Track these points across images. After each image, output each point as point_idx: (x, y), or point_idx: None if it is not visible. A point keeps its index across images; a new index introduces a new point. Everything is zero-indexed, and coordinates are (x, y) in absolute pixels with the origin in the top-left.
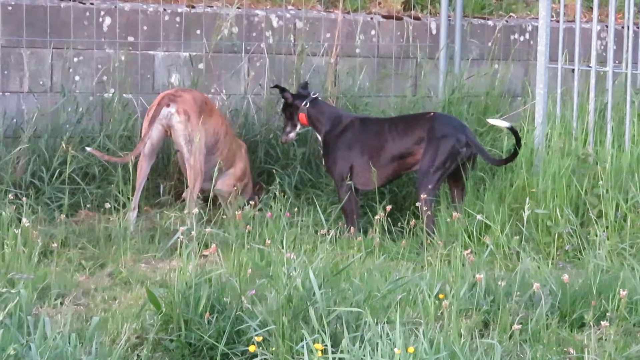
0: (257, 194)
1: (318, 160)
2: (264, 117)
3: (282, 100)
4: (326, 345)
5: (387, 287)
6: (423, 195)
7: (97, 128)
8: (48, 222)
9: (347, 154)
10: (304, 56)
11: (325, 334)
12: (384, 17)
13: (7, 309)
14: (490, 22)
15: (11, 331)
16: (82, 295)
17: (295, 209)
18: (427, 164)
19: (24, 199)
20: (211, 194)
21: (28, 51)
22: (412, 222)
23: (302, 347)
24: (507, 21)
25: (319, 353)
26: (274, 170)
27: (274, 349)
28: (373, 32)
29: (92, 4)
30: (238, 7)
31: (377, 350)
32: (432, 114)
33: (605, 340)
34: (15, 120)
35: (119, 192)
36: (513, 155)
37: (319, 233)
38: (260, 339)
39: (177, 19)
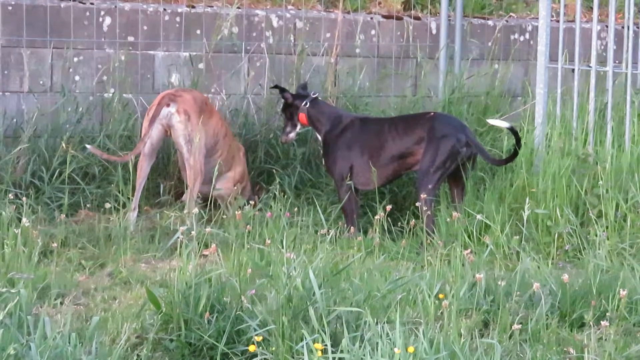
0: (257, 194)
1: (318, 160)
2: (264, 117)
3: (282, 100)
4: (326, 345)
5: (387, 287)
6: (423, 195)
7: (97, 128)
8: (48, 222)
9: (347, 153)
10: (304, 56)
11: (325, 333)
12: (384, 17)
13: (7, 309)
14: (490, 22)
15: (11, 331)
16: (82, 295)
17: (295, 209)
18: (427, 163)
19: (24, 198)
20: (211, 196)
21: (28, 51)
22: (412, 222)
23: (302, 346)
24: (507, 21)
25: (319, 353)
26: (274, 170)
27: (274, 348)
28: (373, 32)
29: (92, 3)
30: (238, 7)
31: (377, 350)
32: (432, 113)
33: (605, 340)
34: (15, 120)
35: (119, 192)
36: (513, 155)
37: (319, 233)
38: (260, 338)
39: (177, 18)
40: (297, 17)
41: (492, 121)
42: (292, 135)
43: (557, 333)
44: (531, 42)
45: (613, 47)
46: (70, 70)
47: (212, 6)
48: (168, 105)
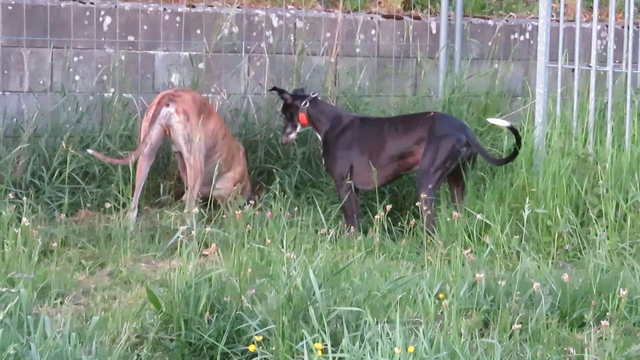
0: (257, 193)
1: (318, 159)
2: (264, 117)
3: (282, 100)
4: (326, 345)
5: (387, 286)
6: (423, 195)
7: (97, 128)
8: (48, 222)
9: (347, 153)
10: (304, 56)
11: (325, 333)
12: (384, 16)
13: (7, 309)
14: (490, 22)
15: (11, 331)
16: (82, 295)
17: (296, 209)
18: (427, 163)
19: (24, 198)
20: (210, 197)
21: (28, 51)
22: (412, 221)
23: (302, 346)
24: (507, 21)
25: (319, 352)
26: (274, 170)
27: (273, 348)
28: (373, 31)
29: (92, 3)
30: (238, 7)
31: (377, 349)
32: (432, 113)
33: (605, 339)
34: (15, 119)
35: (119, 192)
36: (513, 154)
37: (319, 232)
38: (260, 338)
39: (177, 18)
40: (297, 16)
41: (492, 120)
42: (292, 135)
43: (557, 333)
44: (531, 42)
45: (613, 47)
46: (70, 70)
47: (212, 6)
48: (167, 105)
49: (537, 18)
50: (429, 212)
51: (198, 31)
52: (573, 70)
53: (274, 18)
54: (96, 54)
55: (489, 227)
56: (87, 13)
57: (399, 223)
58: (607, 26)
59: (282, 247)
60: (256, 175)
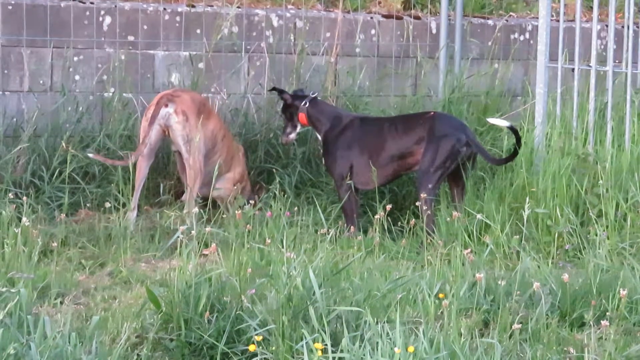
0: (257, 193)
1: (318, 159)
2: (264, 117)
3: (282, 100)
4: (326, 345)
5: (387, 286)
6: (423, 195)
7: (97, 127)
8: (48, 222)
9: (347, 153)
10: (304, 55)
11: (325, 333)
12: (384, 16)
13: (7, 309)
14: (490, 22)
15: (11, 330)
16: (82, 295)
17: (295, 208)
18: (427, 163)
19: (24, 198)
20: (210, 198)
21: (28, 50)
22: (412, 221)
23: (302, 346)
24: (507, 20)
25: (319, 352)
26: (274, 170)
27: (273, 348)
28: (373, 31)
29: (92, 3)
30: (238, 7)
31: (377, 349)
32: (432, 113)
33: (605, 339)
34: (15, 119)
35: (119, 192)
36: (513, 154)
37: (319, 232)
38: (260, 338)
39: (177, 18)
40: (297, 16)
41: (492, 120)
42: (292, 136)
43: (557, 333)
44: (531, 42)
45: (613, 47)
46: (70, 69)
47: (212, 6)
48: (166, 105)
49: (537, 18)
50: (429, 212)
51: (198, 31)
52: (573, 70)
53: (274, 18)
54: (96, 53)
55: (489, 227)
56: (87, 13)
57: (399, 223)
58: (607, 26)
59: (282, 247)
60: (256, 175)
